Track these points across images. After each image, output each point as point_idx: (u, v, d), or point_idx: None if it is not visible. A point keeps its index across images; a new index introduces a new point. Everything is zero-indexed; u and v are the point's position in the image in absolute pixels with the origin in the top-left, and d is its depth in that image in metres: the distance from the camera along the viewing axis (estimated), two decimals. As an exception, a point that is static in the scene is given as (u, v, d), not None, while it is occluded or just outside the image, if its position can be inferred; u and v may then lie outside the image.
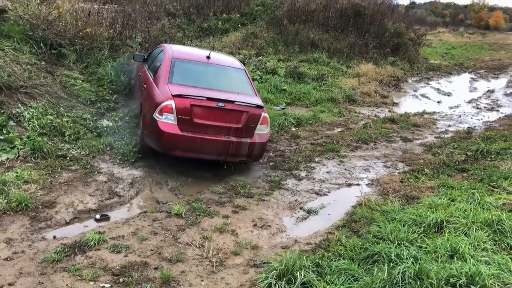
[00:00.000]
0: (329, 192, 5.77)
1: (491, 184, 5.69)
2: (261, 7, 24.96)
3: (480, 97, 14.43)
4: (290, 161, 6.68)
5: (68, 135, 6.29)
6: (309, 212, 5.09)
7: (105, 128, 6.82)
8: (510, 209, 4.67)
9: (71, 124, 6.56)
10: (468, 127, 9.75)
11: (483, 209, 4.60)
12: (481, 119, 11.04)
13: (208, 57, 6.71)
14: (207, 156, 5.91)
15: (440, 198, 5.12)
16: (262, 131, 6.09)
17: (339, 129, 8.87)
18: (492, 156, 7.16)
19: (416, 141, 8.46)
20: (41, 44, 8.28)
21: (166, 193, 5.28)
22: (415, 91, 14.82)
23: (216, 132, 5.81)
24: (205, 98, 5.76)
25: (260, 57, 16.64)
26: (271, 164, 6.55)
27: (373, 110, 11.16)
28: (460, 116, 11.15)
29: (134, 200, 5.01)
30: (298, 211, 5.10)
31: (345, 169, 6.65)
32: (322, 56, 17.03)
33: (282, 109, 10.11)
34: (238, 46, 18.43)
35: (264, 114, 6.08)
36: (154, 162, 6.06)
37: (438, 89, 15.35)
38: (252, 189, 5.55)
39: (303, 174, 6.26)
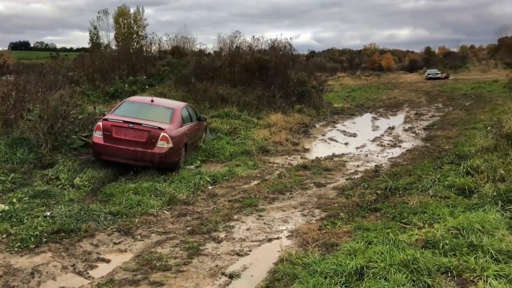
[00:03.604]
0: (250, 251, 5.61)
1: (402, 221, 5.91)
2: (168, 67, 25.15)
3: (382, 135, 15.41)
4: (208, 222, 6.46)
5: (-46, 227, 5.57)
6: (231, 276, 4.87)
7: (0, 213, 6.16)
8: (423, 245, 4.84)
9: (-42, 215, 5.85)
10: (375, 166, 10.27)
11: (398, 249, 4.71)
12: (386, 156, 11.72)
13: (152, 101, 10.11)
14: (122, 160, 8.72)
15: (357, 242, 5.18)
16: (162, 145, 8.74)
17: (256, 182, 8.86)
18: (401, 192, 7.52)
19: (329, 185, 8.69)
20: None
21: (73, 279, 4.78)
22: (323, 135, 15.48)
23: (127, 144, 8.65)
24: (121, 121, 8.82)
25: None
26: (188, 229, 6.28)
27: (286, 158, 11.39)
28: (367, 156, 11.75)
29: (36, 293, 4.46)
30: (220, 277, 4.85)
31: (264, 223, 6.57)
32: (233, 110, 17.30)
33: (197, 167, 9.96)
34: (147, 107, 18.14)
35: (163, 134, 8.75)
36: (58, 244, 5.54)
37: (344, 131, 16.19)
38: (169, 260, 5.22)
39: (222, 235, 6.07)
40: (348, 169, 10.09)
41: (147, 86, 20.77)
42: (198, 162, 10.42)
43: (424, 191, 7.30)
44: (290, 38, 29.40)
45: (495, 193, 6.07)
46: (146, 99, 10.61)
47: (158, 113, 9.52)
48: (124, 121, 8.74)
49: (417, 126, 17.26)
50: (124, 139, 8.62)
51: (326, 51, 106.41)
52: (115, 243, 5.72)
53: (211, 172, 9.17)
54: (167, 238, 5.98)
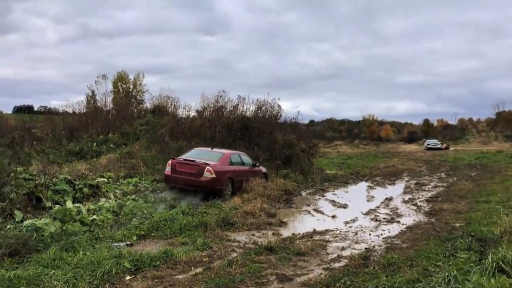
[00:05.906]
0: None
1: None
2: (146, 126, 23.27)
3: (378, 207, 12.90)
4: None
5: None
6: None
7: None
8: None
9: None
10: (365, 249, 7.69)
11: None
12: (381, 234, 9.16)
13: (212, 148, 14.50)
14: (183, 186, 12.31)
15: None
16: (207, 176, 12.25)
17: (197, 270, 6.31)
18: (398, 298, 4.98)
19: (298, 278, 6.07)
20: None
21: None
22: (308, 205, 13.02)
23: (185, 174, 12.39)
24: (182, 159, 12.84)
25: (130, 178, 14.19)
26: None
27: (253, 234, 8.86)
28: (356, 234, 9.17)
29: None
30: None
31: None
32: (206, 173, 15.02)
33: (128, 245, 7.48)
34: (109, 168, 16.06)
35: (207, 167, 12.32)
36: None
37: (333, 201, 13.72)
38: None
39: None
40: (329, 254, 7.50)
41: (111, 145, 18.62)
42: (134, 238, 7.94)
43: (434, 298, 4.76)
44: (279, 98, 27.78)
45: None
46: (209, 147, 14.86)
47: (212, 156, 13.32)
48: (184, 159, 12.78)
49: (419, 198, 14.74)
50: (183, 171, 12.38)
51: (326, 120, 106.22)
52: None
53: (139, 254, 6.61)
54: None
